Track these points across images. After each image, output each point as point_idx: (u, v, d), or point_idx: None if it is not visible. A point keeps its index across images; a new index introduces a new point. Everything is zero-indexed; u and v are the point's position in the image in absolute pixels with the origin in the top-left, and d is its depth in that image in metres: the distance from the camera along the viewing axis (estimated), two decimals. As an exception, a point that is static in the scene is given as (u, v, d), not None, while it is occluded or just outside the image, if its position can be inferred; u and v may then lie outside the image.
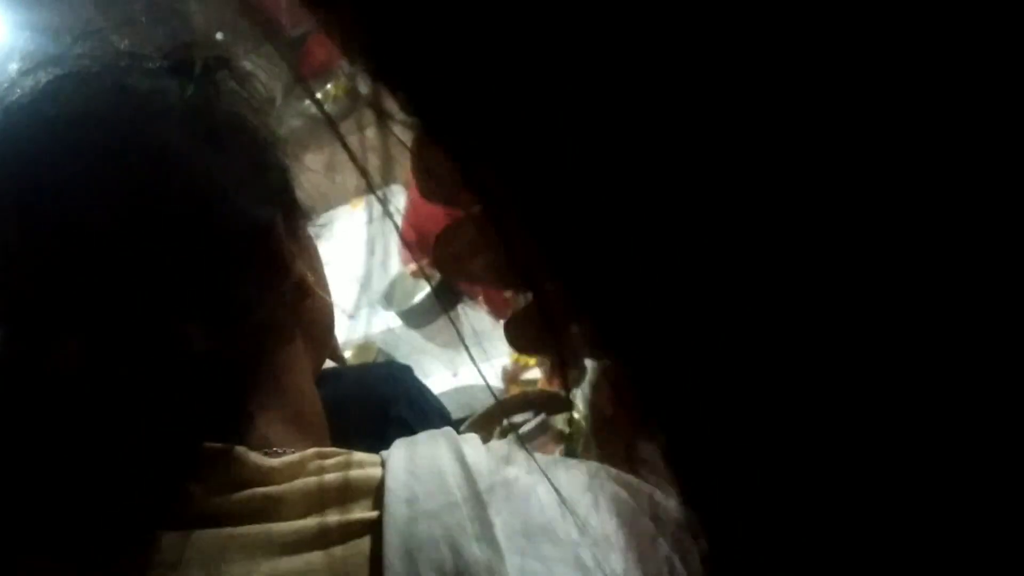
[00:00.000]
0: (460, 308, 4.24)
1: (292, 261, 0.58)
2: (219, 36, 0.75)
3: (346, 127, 0.56)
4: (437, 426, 0.71)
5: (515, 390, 3.82)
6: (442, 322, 4.92)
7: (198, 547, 0.48)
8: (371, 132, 0.20)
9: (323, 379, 0.84)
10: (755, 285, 0.11)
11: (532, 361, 3.48)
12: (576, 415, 2.42)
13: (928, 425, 0.10)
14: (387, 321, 5.27)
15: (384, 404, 1.26)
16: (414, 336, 5.24)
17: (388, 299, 4.58)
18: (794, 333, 0.11)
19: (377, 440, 0.73)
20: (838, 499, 0.11)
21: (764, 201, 0.11)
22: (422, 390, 1.34)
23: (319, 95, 4.44)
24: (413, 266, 3.68)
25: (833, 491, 0.11)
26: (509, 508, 0.51)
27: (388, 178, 0.31)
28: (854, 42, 0.10)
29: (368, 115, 0.18)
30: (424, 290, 4.36)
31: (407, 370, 1.36)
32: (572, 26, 0.11)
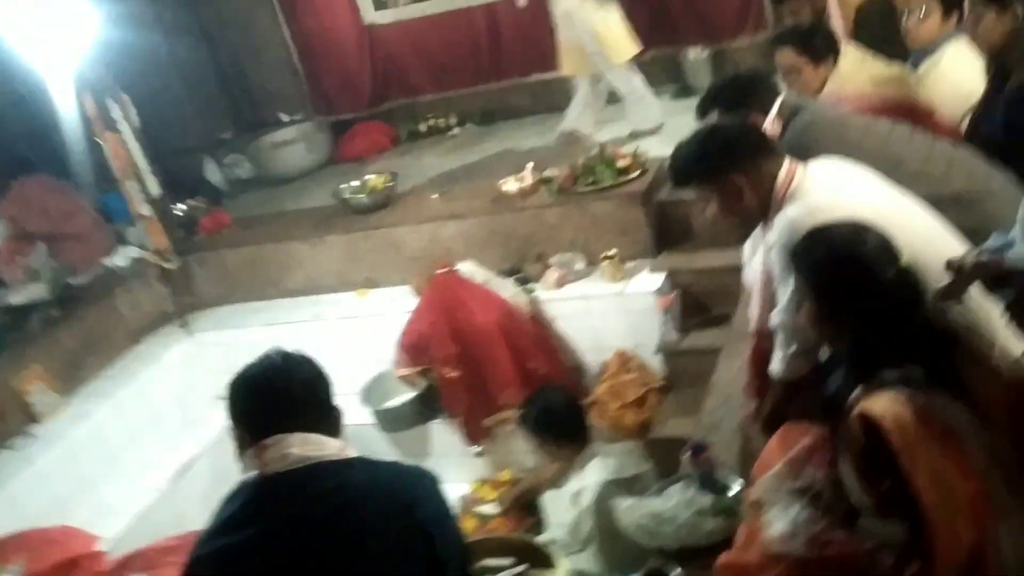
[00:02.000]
0: (436, 423, 4.60)
1: None
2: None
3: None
4: (452, 541, 1.69)
5: (468, 521, 3.94)
6: (414, 432, 4.49)
7: None
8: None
9: (360, 462, 1.71)
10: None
11: (491, 495, 3.92)
12: (561, 573, 2.90)
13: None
14: (365, 416, 5.16)
15: (412, 504, 1.70)
16: (383, 437, 4.86)
17: (365, 395, 5.28)
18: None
19: (397, 536, 1.63)
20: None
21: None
22: (445, 501, 1.76)
23: (356, 182, 5.20)
24: (404, 370, 4.72)
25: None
26: None
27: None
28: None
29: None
30: (401, 396, 4.66)
31: (436, 480, 1.77)
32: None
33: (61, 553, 2.96)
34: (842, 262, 1.92)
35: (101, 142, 4.91)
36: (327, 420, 1.75)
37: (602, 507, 3.10)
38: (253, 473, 1.68)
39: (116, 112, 4.99)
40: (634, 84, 5.22)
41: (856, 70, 3.13)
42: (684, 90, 5.83)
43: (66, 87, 4.81)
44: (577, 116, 5.40)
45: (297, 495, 1.64)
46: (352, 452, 1.74)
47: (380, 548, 1.61)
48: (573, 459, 3.37)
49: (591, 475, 3.23)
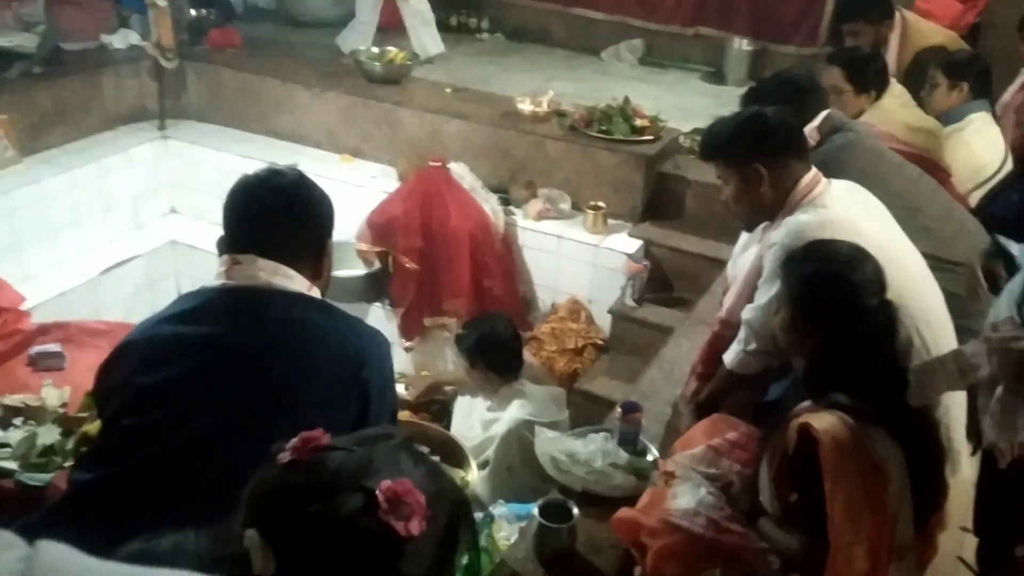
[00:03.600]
0: (376, 306, 4.61)
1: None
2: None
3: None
4: (386, 407, 1.72)
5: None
6: (353, 307, 4.46)
7: None
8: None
9: (324, 306, 1.77)
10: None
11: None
12: (469, 479, 2.99)
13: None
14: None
15: (359, 362, 1.70)
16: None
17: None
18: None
19: (335, 386, 1.64)
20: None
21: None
22: (391, 370, 1.79)
23: (376, 49, 5.09)
24: (364, 246, 4.68)
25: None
26: None
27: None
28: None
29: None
30: (353, 269, 4.62)
31: (388, 347, 1.80)
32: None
33: (-14, 299, 2.90)
34: (830, 281, 1.95)
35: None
36: (305, 250, 1.72)
37: (509, 441, 3.19)
38: (217, 282, 1.68)
39: None
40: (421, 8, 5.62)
41: (896, 110, 3.17)
42: (716, 75, 5.82)
43: None
44: (357, 37, 5.61)
45: (253, 311, 1.63)
46: (317, 294, 1.74)
47: (315, 391, 1.60)
48: (499, 389, 3.43)
49: (511, 410, 3.30)
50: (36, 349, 2.87)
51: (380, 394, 1.69)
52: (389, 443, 1.07)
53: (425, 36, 5.64)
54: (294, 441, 1.03)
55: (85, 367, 2.56)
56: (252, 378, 1.59)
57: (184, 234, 5.03)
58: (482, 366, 3.41)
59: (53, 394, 2.57)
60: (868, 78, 3.19)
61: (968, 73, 3.43)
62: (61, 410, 2.54)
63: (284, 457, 1.02)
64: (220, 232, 1.72)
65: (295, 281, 1.68)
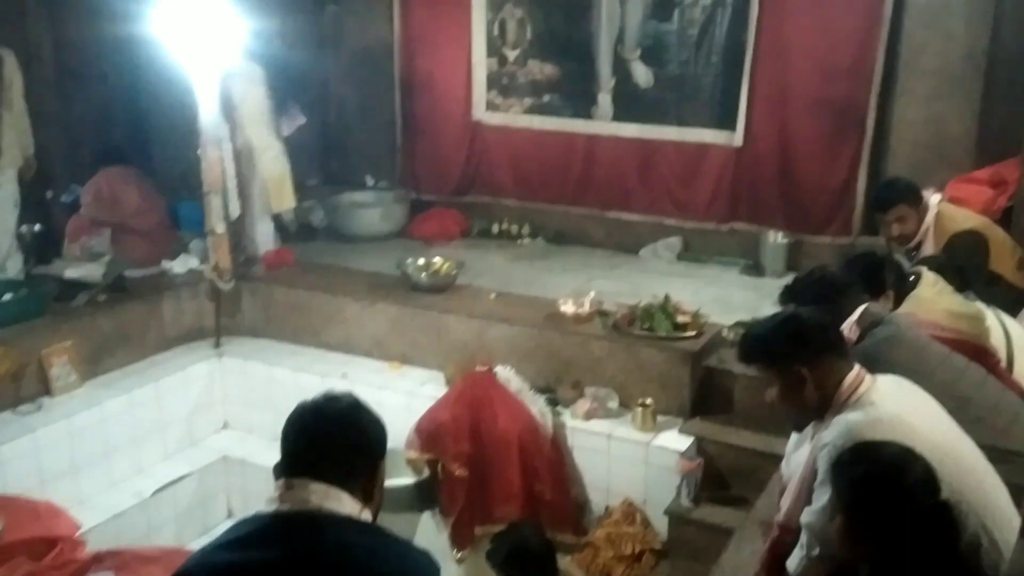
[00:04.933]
0: (427, 515, 4.56)
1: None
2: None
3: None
4: None
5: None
6: (404, 517, 4.42)
7: None
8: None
9: (372, 529, 1.75)
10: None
11: None
12: None
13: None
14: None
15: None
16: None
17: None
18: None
19: None
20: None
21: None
22: None
23: (422, 261, 5.26)
24: (413, 453, 4.65)
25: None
26: None
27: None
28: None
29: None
30: (403, 478, 4.58)
31: (437, 567, 1.78)
32: None
33: (42, 528, 2.93)
34: (881, 485, 1.91)
35: (201, 153, 5.05)
36: (357, 473, 1.76)
37: None
38: (270, 508, 1.70)
39: (225, 130, 5.21)
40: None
41: (935, 298, 3.17)
42: (754, 268, 5.92)
43: (203, 93, 4.99)
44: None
45: (304, 537, 1.65)
46: (368, 517, 1.75)
47: None
48: None
49: None
50: (89, 578, 2.87)
51: None
52: None
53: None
54: None
55: (136, 596, 2.54)
56: None
57: (236, 448, 5.08)
58: None
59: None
60: (884, 281, 3.18)
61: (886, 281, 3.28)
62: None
63: None
64: (270, 446, 1.77)
65: (345, 504, 1.70)
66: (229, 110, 5.33)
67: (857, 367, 2.25)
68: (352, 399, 1.82)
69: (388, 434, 1.85)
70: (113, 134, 6.53)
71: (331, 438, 1.75)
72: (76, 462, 4.47)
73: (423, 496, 4.39)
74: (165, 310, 5.29)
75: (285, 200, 5.86)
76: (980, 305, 3.28)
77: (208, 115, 5.01)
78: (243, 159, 5.58)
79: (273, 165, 5.71)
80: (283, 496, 1.70)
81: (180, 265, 5.53)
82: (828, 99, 5.55)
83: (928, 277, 3.28)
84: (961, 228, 3.87)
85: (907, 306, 3.14)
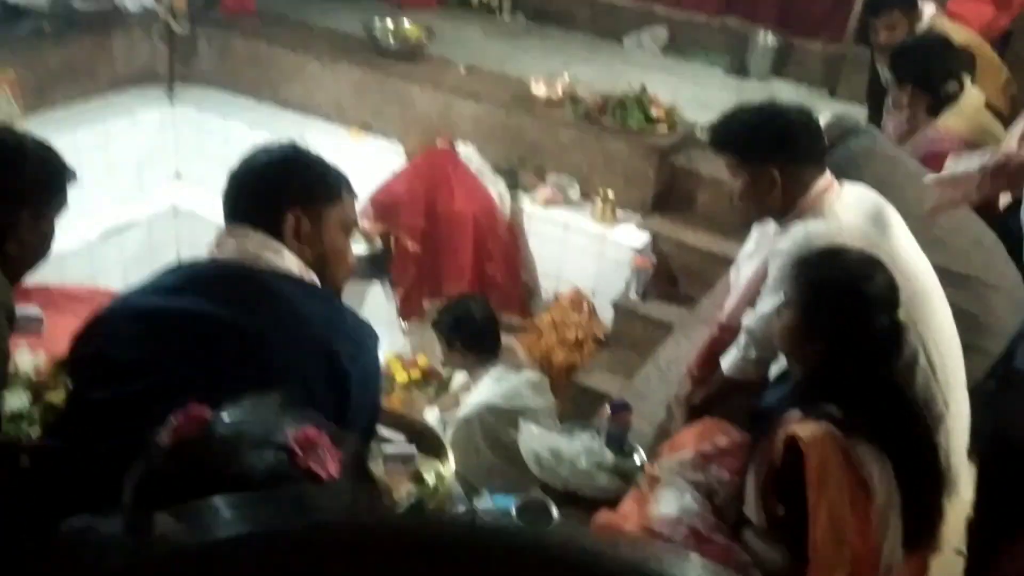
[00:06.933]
0: (375, 284, 4.49)
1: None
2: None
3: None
4: (368, 399, 1.66)
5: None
6: (352, 285, 4.33)
7: None
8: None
9: (316, 291, 1.65)
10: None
11: (400, 373, 3.88)
12: (445, 472, 2.81)
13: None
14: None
15: (340, 351, 1.58)
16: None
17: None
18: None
19: (315, 372, 1.52)
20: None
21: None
22: (377, 364, 1.78)
23: (391, 25, 4.98)
24: (367, 223, 4.56)
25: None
26: None
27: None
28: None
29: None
30: (355, 246, 4.47)
31: (377, 341, 1.77)
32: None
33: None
34: (842, 290, 1.87)
35: None
36: (284, 220, 1.61)
37: (470, 423, 3.14)
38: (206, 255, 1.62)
39: None
40: None
41: (973, 116, 3.05)
42: (739, 69, 5.68)
43: None
44: None
45: (239, 287, 1.55)
46: (313, 278, 1.64)
47: (292, 375, 1.51)
48: (476, 370, 3.37)
49: (475, 394, 3.26)
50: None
51: (363, 385, 1.60)
52: (268, 400, 1.04)
53: None
54: (176, 420, 0.98)
55: (63, 334, 2.49)
56: (232, 359, 1.49)
57: (187, 200, 4.96)
58: (459, 347, 3.37)
59: (26, 359, 2.50)
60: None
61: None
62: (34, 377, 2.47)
63: (165, 439, 0.97)
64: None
65: (285, 259, 1.59)
66: None
67: (828, 175, 2.15)
68: (291, 144, 1.68)
69: (344, 183, 1.71)
70: None
71: (259, 178, 1.63)
72: (18, 198, 4.33)
73: (373, 266, 4.36)
74: (115, 48, 4.96)
75: None
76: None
77: None
78: None
79: None
80: (221, 242, 1.60)
81: (132, 2, 5.13)
82: None
83: (973, 92, 3.12)
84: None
85: (947, 120, 3.00)
